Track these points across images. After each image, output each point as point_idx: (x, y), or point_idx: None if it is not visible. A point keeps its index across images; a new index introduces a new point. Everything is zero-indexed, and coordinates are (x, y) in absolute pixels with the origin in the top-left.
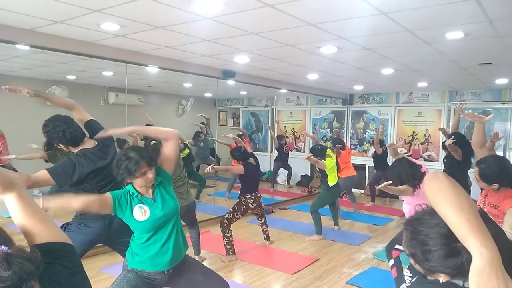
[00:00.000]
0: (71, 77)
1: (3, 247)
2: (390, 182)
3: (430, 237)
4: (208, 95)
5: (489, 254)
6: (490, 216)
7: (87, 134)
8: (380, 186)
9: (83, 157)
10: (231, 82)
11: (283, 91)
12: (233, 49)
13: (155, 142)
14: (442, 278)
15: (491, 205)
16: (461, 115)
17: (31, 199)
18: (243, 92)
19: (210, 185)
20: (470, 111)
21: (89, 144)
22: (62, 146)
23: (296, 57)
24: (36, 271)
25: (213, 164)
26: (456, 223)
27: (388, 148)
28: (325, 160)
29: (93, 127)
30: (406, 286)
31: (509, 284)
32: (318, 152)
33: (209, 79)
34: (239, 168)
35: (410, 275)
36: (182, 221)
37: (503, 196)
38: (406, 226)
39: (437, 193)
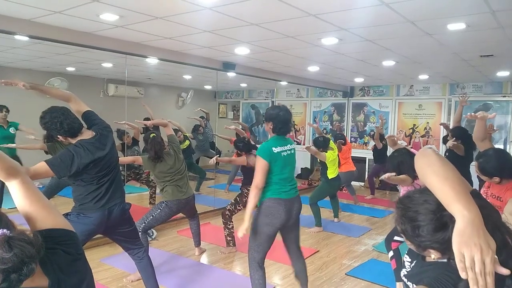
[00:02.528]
0: (70, 69)
1: (4, 230)
2: (393, 173)
3: (419, 212)
4: (208, 87)
5: (471, 216)
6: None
7: (84, 125)
8: (383, 176)
9: (81, 147)
10: (231, 74)
11: (284, 83)
12: (233, 40)
13: (154, 134)
14: (434, 255)
15: (494, 197)
16: (464, 116)
17: (35, 186)
18: (243, 85)
19: (210, 178)
20: (472, 113)
21: (87, 135)
22: (60, 137)
23: (296, 48)
24: (37, 255)
25: (216, 156)
26: (441, 191)
27: (386, 139)
28: (326, 152)
29: (90, 118)
30: (406, 271)
31: (490, 242)
32: (321, 143)
33: (209, 71)
34: (242, 159)
35: (409, 260)
36: (182, 213)
37: (505, 188)
38: (397, 204)
39: (425, 166)
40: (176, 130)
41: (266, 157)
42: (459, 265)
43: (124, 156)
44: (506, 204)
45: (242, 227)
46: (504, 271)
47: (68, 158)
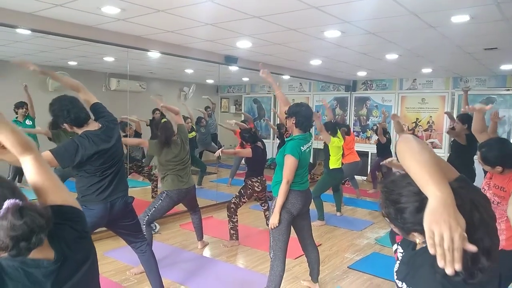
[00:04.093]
0: (72, 63)
1: (17, 200)
2: (394, 158)
3: (402, 194)
4: (210, 81)
5: (443, 196)
6: (496, 197)
7: (92, 117)
8: (384, 161)
9: (86, 138)
10: (233, 68)
11: (286, 77)
12: (235, 34)
13: (165, 120)
14: (418, 239)
15: (497, 187)
16: (462, 109)
17: (47, 164)
18: (245, 79)
19: (212, 172)
20: (470, 106)
21: (93, 126)
22: (66, 125)
23: (299, 42)
24: (46, 226)
25: (221, 148)
26: (417, 174)
27: (392, 120)
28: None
29: (98, 110)
30: (398, 263)
31: (460, 221)
32: (331, 126)
33: (211, 65)
34: (247, 151)
35: (402, 251)
36: (183, 205)
37: (509, 177)
38: (381, 188)
39: (404, 151)
40: (185, 118)
41: (297, 156)
42: (428, 242)
43: (126, 151)
44: (510, 196)
45: (274, 220)
46: (472, 248)
47: (72, 148)
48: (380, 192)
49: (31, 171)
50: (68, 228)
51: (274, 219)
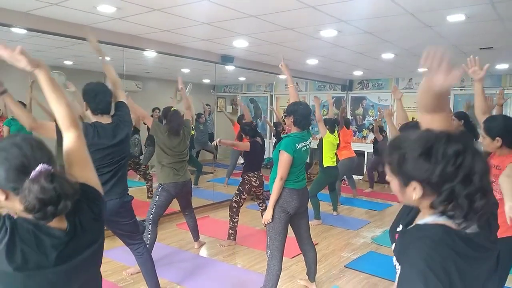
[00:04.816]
0: (68, 63)
1: (50, 166)
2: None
3: (407, 139)
4: (206, 81)
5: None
6: (491, 176)
7: (112, 113)
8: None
9: (93, 128)
10: (229, 67)
11: (282, 77)
12: (232, 33)
13: (175, 108)
14: (416, 192)
15: (493, 166)
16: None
17: (85, 142)
18: (242, 78)
19: (209, 172)
20: (471, 56)
21: (106, 120)
22: (84, 105)
23: (295, 41)
24: (73, 195)
25: (220, 139)
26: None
27: (393, 94)
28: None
29: (118, 107)
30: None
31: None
32: (330, 122)
33: (208, 65)
34: (245, 145)
35: (401, 228)
36: (178, 202)
37: (505, 157)
38: (391, 141)
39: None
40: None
41: (291, 153)
42: (424, 61)
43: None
44: (505, 169)
45: (267, 216)
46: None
47: None
48: (389, 144)
49: (70, 144)
50: (86, 208)
51: (267, 215)
